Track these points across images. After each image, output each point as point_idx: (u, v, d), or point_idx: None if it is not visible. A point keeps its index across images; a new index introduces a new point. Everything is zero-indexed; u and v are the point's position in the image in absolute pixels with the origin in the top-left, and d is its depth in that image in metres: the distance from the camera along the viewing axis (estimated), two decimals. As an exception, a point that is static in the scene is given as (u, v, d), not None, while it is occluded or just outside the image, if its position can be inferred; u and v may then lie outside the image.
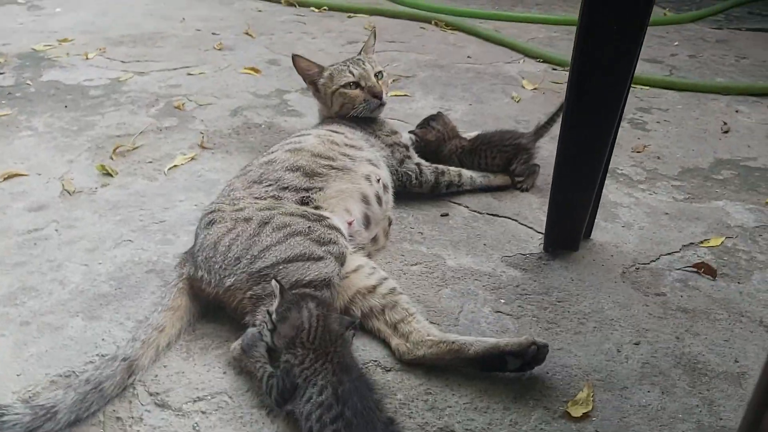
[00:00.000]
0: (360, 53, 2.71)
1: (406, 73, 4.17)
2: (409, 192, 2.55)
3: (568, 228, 2.26)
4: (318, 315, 1.58)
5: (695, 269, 2.23)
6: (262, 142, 3.11)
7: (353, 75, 2.52)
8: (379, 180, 2.25)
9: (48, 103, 3.39)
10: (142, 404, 1.62)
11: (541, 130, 2.75)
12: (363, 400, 1.43)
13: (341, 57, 4.35)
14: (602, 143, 2.03)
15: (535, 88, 3.95)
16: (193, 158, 2.90)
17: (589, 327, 1.94)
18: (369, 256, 2.14)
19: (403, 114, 3.48)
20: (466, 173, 2.65)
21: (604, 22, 1.76)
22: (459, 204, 2.59)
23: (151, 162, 2.85)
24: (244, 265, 1.76)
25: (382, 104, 2.56)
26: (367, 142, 2.45)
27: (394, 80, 3.90)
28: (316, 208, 2.02)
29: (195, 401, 1.63)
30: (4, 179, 2.64)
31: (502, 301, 2.03)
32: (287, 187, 2.04)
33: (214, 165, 2.85)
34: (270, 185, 2.05)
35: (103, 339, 1.81)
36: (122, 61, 4.09)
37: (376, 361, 1.78)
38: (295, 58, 2.58)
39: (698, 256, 2.31)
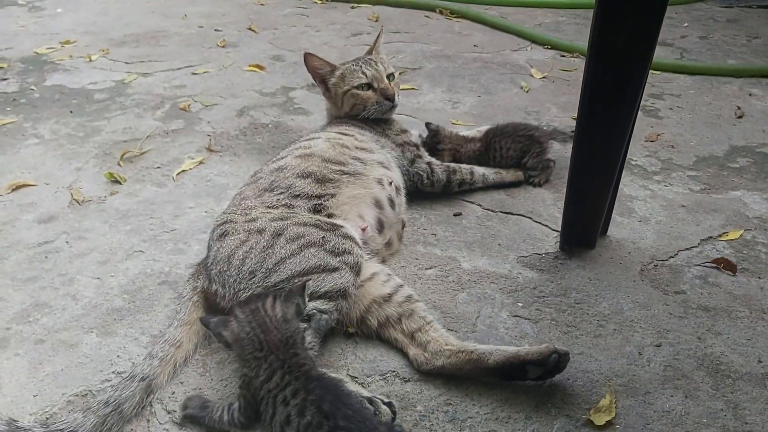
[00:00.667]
0: (371, 53, 2.66)
1: (412, 64, 4.12)
2: (420, 192, 2.52)
3: (585, 225, 2.22)
4: (247, 316, 1.52)
5: (715, 265, 2.19)
6: (270, 142, 3.07)
7: (366, 76, 2.48)
8: (391, 183, 2.22)
9: (53, 109, 3.37)
10: (160, 423, 1.61)
11: (558, 134, 2.71)
12: (348, 405, 1.37)
13: (347, 50, 4.32)
14: (621, 134, 1.97)
15: (544, 77, 3.89)
16: (201, 162, 2.87)
17: (609, 329, 1.91)
18: (383, 261, 2.12)
19: (410, 109, 3.44)
20: (478, 171, 2.61)
21: (621, 4, 1.70)
22: (472, 202, 2.56)
23: (159, 167, 2.83)
24: (260, 279, 1.73)
25: (394, 106, 2.52)
26: (377, 144, 2.42)
27: (401, 72, 3.85)
28: (329, 215, 2.00)
29: (215, 425, 1.61)
30: (13, 190, 2.63)
31: (520, 304, 2.00)
32: (299, 195, 2.01)
33: (222, 169, 2.82)
34: (281, 193, 2.02)
35: (118, 356, 1.80)
36: (126, 62, 4.05)
37: (394, 371, 1.76)
38: (306, 56, 2.54)
39: (717, 251, 2.27)
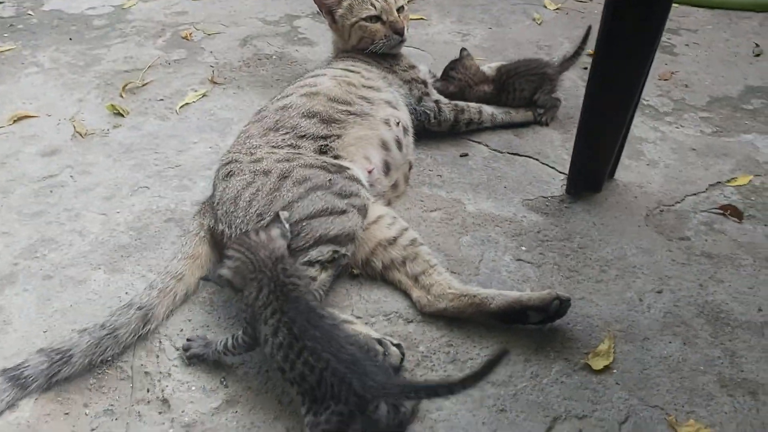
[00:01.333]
0: None
1: (421, -8, 3.96)
2: (427, 131, 2.48)
3: (594, 169, 2.20)
4: (238, 247, 1.54)
5: (721, 211, 2.18)
6: (274, 75, 3.01)
7: (374, 8, 2.38)
8: (398, 123, 2.18)
9: (52, 36, 3.28)
10: (169, 359, 1.65)
11: (567, 62, 2.63)
12: (319, 328, 1.38)
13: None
14: (638, 74, 1.92)
15: (557, 8, 3.75)
16: (204, 95, 2.82)
17: (611, 275, 1.92)
18: (389, 203, 2.11)
19: (419, 41, 3.34)
20: (487, 110, 2.55)
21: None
22: (479, 142, 2.52)
23: (162, 100, 2.78)
24: (268, 221, 1.73)
25: (403, 41, 2.44)
26: (384, 81, 2.36)
27: (409, 0, 3.70)
28: (335, 157, 1.97)
29: (221, 355, 1.65)
30: (15, 122, 2.60)
31: (523, 248, 2.01)
32: (304, 135, 1.98)
33: (226, 102, 2.77)
34: (287, 133, 1.99)
35: (126, 292, 1.83)
36: (124, -14, 3.90)
37: (397, 312, 1.79)
38: None
39: (725, 197, 2.25)
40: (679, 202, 2.23)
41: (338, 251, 1.71)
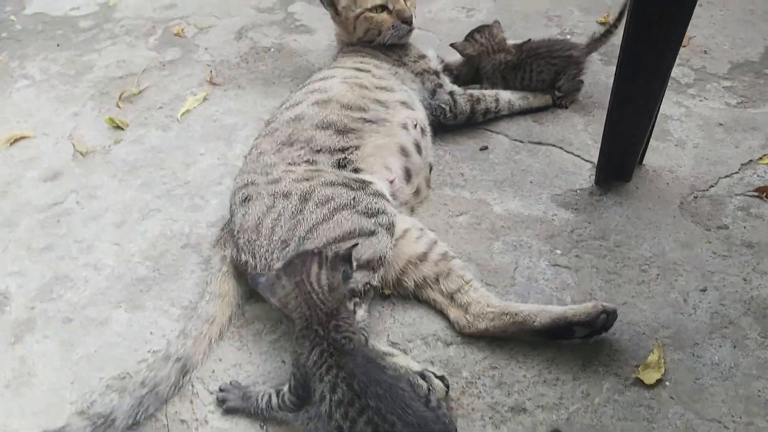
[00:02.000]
0: None
1: (419, -35, 3.77)
2: (443, 125, 2.36)
3: (624, 157, 2.09)
4: (293, 288, 1.42)
5: (757, 193, 2.09)
6: (275, 70, 2.87)
7: None
8: (416, 125, 2.07)
9: (39, 42, 3.12)
10: (204, 404, 1.59)
11: (595, 43, 2.48)
12: (380, 384, 1.30)
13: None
14: (671, 54, 1.79)
15: (563, -26, 3.57)
16: (205, 98, 2.69)
17: (651, 274, 1.85)
18: (412, 210, 2.02)
19: (422, 20, 3.16)
20: (504, 97, 2.43)
21: None
22: (498, 132, 2.41)
23: (161, 107, 2.65)
24: (293, 249, 1.65)
25: (411, 29, 2.30)
26: (396, 77, 2.23)
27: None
28: (355, 170, 1.87)
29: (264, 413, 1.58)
30: (11, 144, 2.48)
31: (558, 251, 1.92)
32: (321, 149, 1.88)
33: (228, 105, 2.65)
34: (302, 148, 1.88)
35: (151, 332, 1.75)
36: (107, -20, 3.71)
37: (434, 334, 1.71)
38: None
39: (758, 176, 2.16)
40: (713, 186, 2.14)
41: (371, 280, 1.63)
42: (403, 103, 2.09)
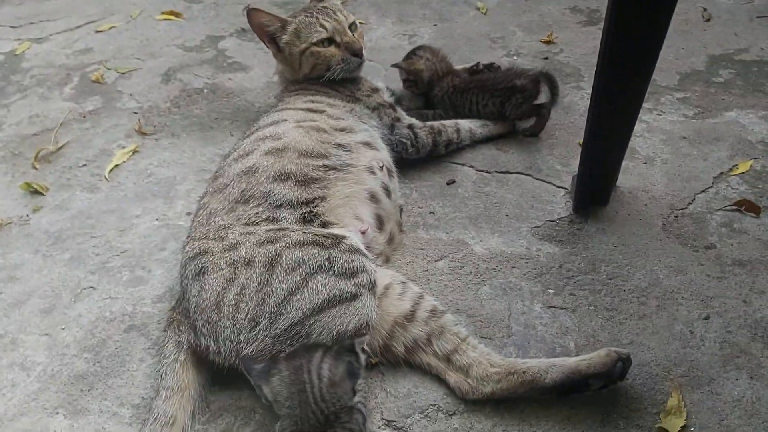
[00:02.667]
0: None
1: (350, -8, 3.63)
2: (404, 160, 2.19)
3: (602, 182, 2.00)
4: (290, 377, 1.27)
5: (736, 207, 2.02)
6: (211, 113, 2.63)
7: (326, 29, 2.07)
8: (382, 167, 1.88)
9: (-68, 102, 2.75)
10: None
11: (542, 76, 2.38)
12: None
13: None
14: (646, 76, 1.72)
15: (498, -7, 3.51)
16: (135, 151, 2.41)
17: (651, 306, 1.72)
18: (387, 259, 1.83)
19: (363, 50, 3.01)
20: (464, 126, 2.29)
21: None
22: (463, 164, 2.26)
23: (85, 165, 2.35)
24: (265, 327, 1.41)
25: (362, 62, 2.13)
26: (351, 114, 2.05)
27: (343, 1, 3.37)
28: (323, 224, 1.66)
29: None
30: None
31: (551, 291, 1.77)
32: (281, 204, 1.66)
33: (162, 157, 2.38)
34: (259, 204, 1.65)
35: (99, 441, 1.47)
36: (11, 26, 3.35)
37: (434, 404, 1.51)
38: (251, 12, 2.09)
39: (733, 189, 2.10)
40: (691, 203, 2.06)
41: (364, 352, 1.41)
42: (366, 144, 1.91)
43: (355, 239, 1.61)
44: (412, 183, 2.18)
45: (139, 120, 2.56)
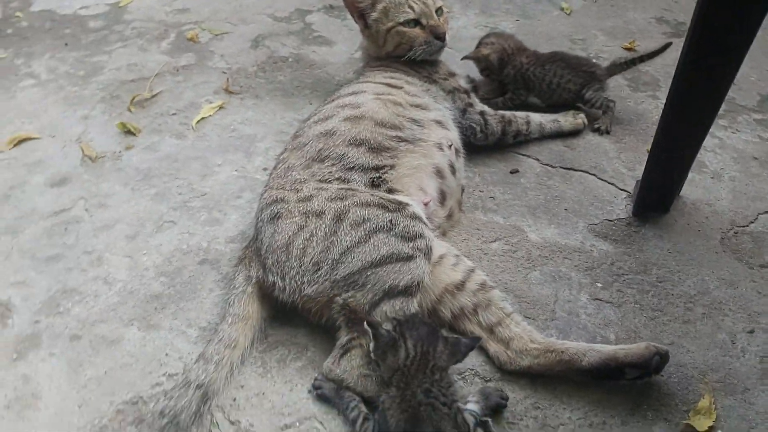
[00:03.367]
0: None
1: (439, -18, 3.71)
2: (471, 145, 2.27)
3: (666, 189, 2.02)
4: (415, 355, 1.38)
5: (799, 231, 2.02)
6: (294, 80, 2.77)
7: (413, 11, 2.16)
8: (450, 145, 1.97)
9: (46, 41, 3.00)
10: (224, 436, 1.46)
11: (616, 67, 2.44)
12: None
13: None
14: (721, 94, 1.74)
15: (585, -3, 3.52)
16: (221, 107, 2.58)
17: (697, 313, 1.75)
18: (444, 233, 1.92)
19: (444, 37, 3.10)
20: (535, 119, 2.35)
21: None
22: (528, 156, 2.32)
23: (175, 114, 2.54)
24: (326, 272, 1.54)
25: (443, 46, 2.22)
26: (428, 94, 2.14)
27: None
28: (389, 190, 1.77)
29: (282, 429, 1.47)
30: (15, 145, 2.35)
31: (599, 284, 1.83)
32: (353, 167, 1.77)
33: (246, 115, 2.54)
34: (333, 165, 1.77)
35: (166, 354, 1.63)
36: (117, -20, 3.60)
37: (472, 369, 1.60)
38: None
39: (798, 213, 2.09)
40: (752, 222, 2.06)
41: (410, 306, 1.52)
42: (438, 122, 2.00)
43: (417, 208, 1.71)
44: (476, 168, 2.26)
45: (227, 79, 2.73)
